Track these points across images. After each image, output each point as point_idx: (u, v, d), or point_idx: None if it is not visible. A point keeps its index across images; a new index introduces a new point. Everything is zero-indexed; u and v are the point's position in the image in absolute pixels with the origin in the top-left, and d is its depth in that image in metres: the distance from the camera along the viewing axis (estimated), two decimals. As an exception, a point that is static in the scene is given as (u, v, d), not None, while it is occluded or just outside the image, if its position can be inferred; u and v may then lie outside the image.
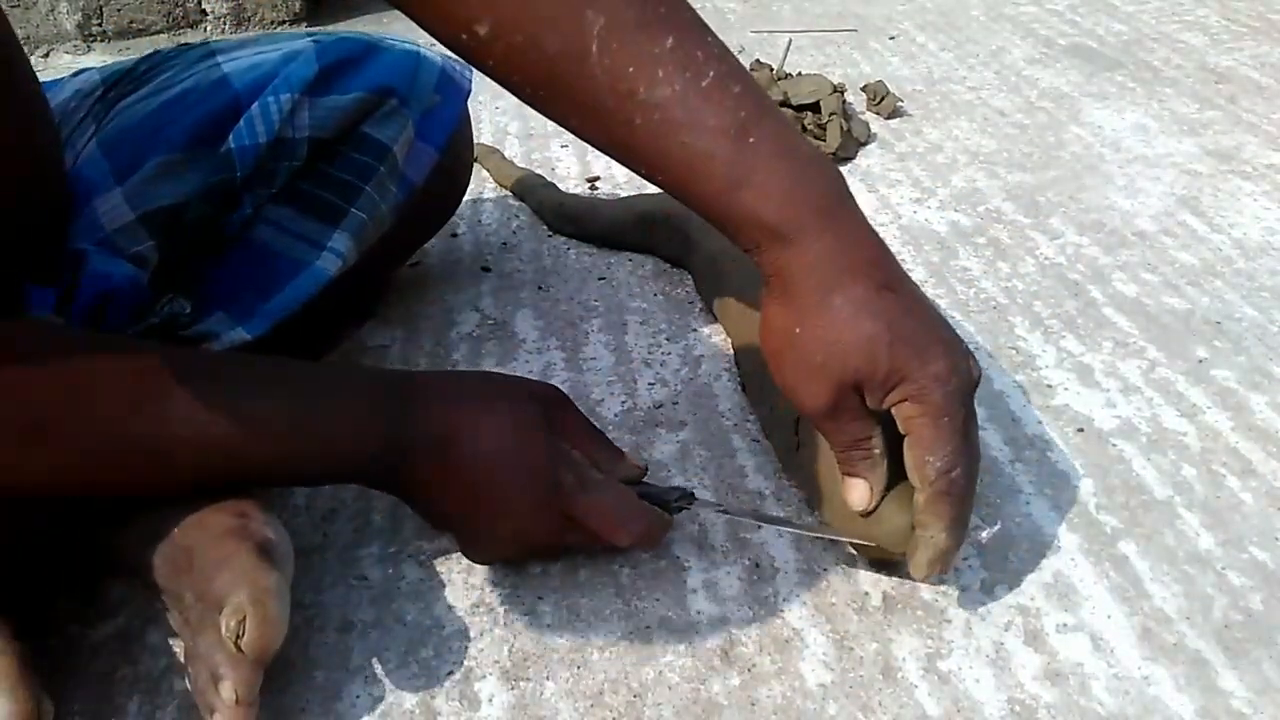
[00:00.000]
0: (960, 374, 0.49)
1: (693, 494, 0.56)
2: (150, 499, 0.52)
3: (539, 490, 0.51)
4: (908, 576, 0.55)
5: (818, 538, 0.57)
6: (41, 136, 0.57)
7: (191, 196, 0.62)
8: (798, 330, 0.49)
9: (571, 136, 0.52)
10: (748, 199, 0.47)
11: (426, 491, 0.52)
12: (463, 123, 0.76)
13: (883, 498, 0.52)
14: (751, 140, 0.47)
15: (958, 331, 0.72)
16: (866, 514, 0.52)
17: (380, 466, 0.52)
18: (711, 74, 0.46)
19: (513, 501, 0.52)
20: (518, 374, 0.70)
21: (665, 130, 0.46)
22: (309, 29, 1.42)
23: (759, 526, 0.58)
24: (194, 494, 0.51)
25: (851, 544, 0.55)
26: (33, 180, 0.55)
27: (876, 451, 0.51)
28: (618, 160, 0.51)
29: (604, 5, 0.45)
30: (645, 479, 0.57)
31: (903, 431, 0.49)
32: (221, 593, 0.46)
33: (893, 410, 0.49)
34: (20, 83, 0.53)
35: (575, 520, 0.53)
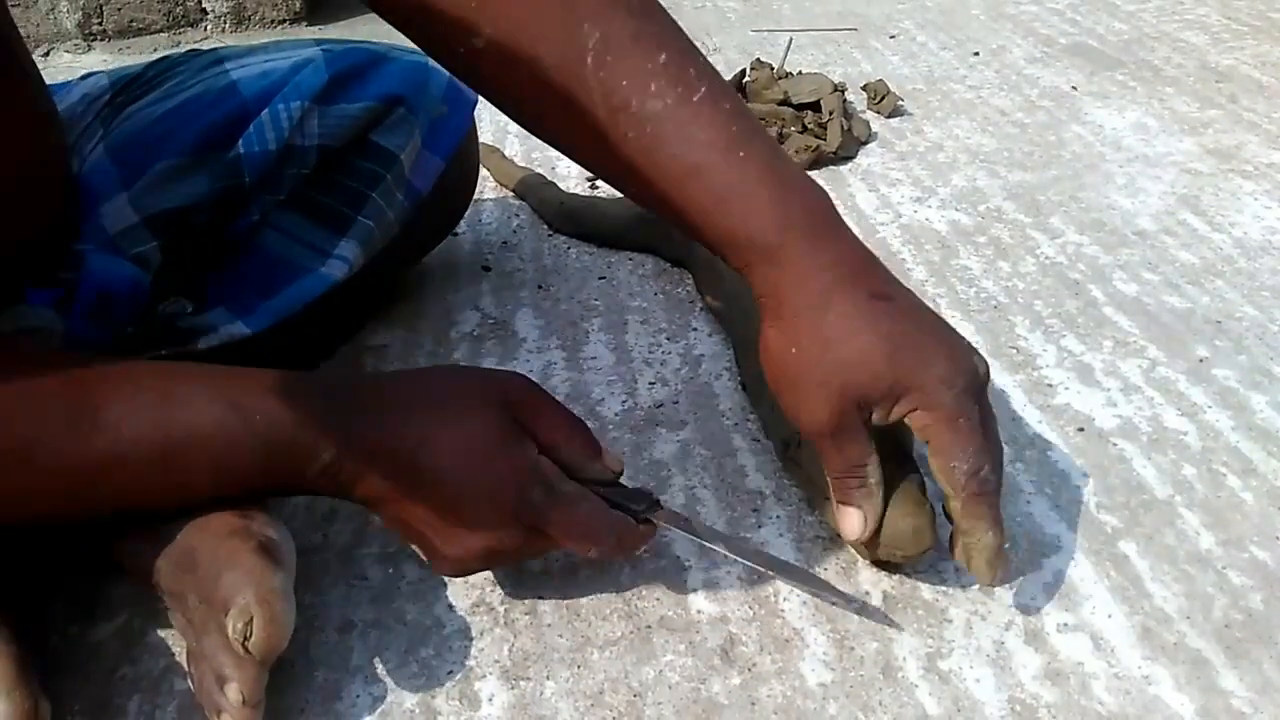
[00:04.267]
0: (966, 373, 0.48)
1: (658, 502, 0.52)
2: None
3: (505, 506, 0.48)
4: (909, 576, 0.55)
5: (780, 577, 0.54)
6: (47, 141, 0.57)
7: (198, 200, 0.62)
8: (794, 351, 0.48)
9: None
10: (736, 215, 0.47)
11: (386, 506, 0.50)
12: (469, 133, 0.76)
13: (879, 525, 0.50)
14: (741, 155, 0.47)
15: (958, 331, 0.72)
16: (861, 543, 0.51)
17: (331, 479, 0.49)
18: (703, 89, 0.47)
19: (478, 518, 0.48)
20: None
21: (656, 143, 0.47)
22: (309, 28, 1.43)
23: (725, 553, 0.54)
24: (131, 517, 0.49)
25: (855, 546, 0.55)
26: (38, 182, 0.55)
27: (872, 481, 0.49)
28: (607, 178, 0.51)
29: (600, 20, 0.46)
30: (621, 479, 0.53)
31: (921, 440, 0.49)
32: (227, 594, 0.46)
33: (907, 422, 0.48)
34: (26, 88, 0.53)
35: (543, 533, 0.49)
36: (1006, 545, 0.50)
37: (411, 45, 0.69)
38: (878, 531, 0.51)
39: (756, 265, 0.48)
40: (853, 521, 0.50)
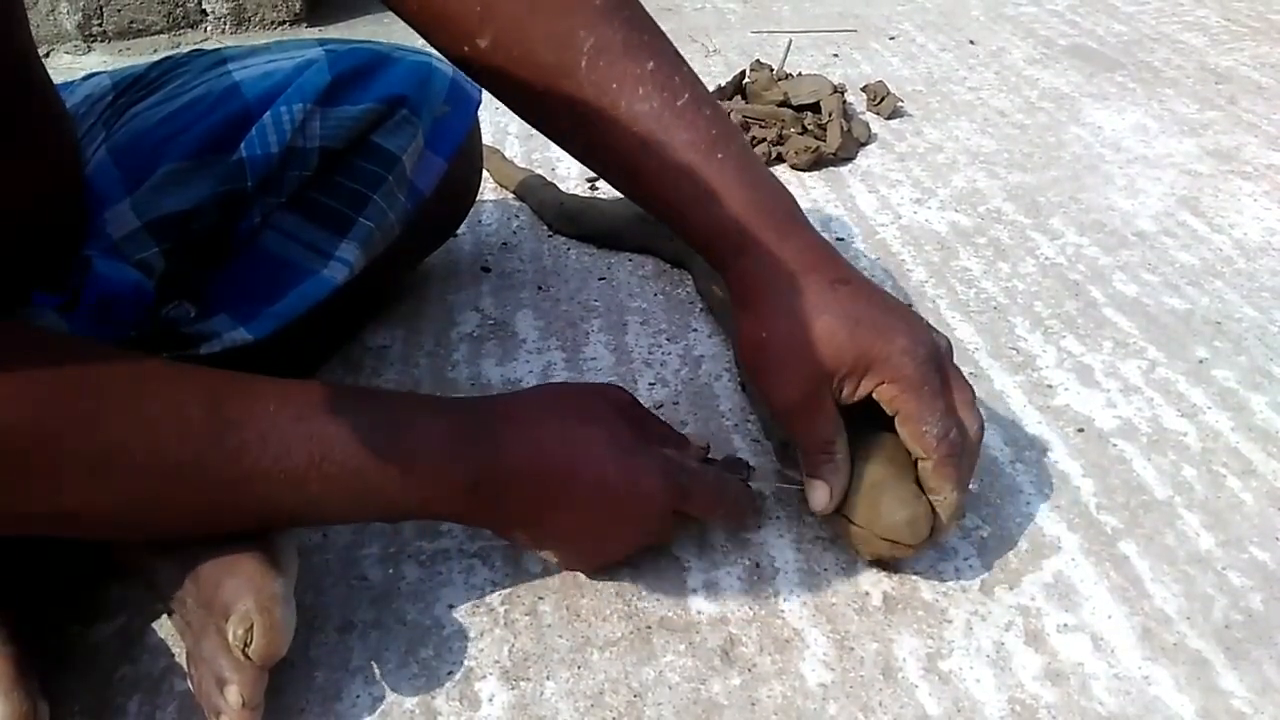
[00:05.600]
0: (925, 344, 0.51)
1: (749, 464, 0.58)
2: None
3: (659, 493, 0.51)
4: (909, 577, 0.55)
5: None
6: (60, 147, 0.57)
7: (200, 204, 0.62)
8: (764, 335, 0.51)
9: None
10: (714, 211, 0.51)
11: (535, 516, 0.50)
12: (472, 133, 0.76)
13: (843, 501, 0.53)
14: (720, 157, 0.51)
15: (956, 331, 0.72)
16: (826, 516, 0.53)
17: (475, 498, 0.49)
18: (687, 96, 0.51)
19: (637, 509, 0.51)
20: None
21: (643, 142, 0.51)
22: (309, 29, 1.43)
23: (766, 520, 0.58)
24: (261, 531, 0.48)
25: (852, 540, 0.55)
26: (50, 188, 0.55)
27: (839, 457, 0.52)
28: (597, 171, 0.55)
29: (594, 27, 0.50)
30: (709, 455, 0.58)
31: (890, 413, 0.51)
32: (227, 600, 0.45)
33: (875, 397, 0.51)
34: (39, 94, 0.53)
35: (685, 513, 0.53)
36: (973, 485, 0.53)
37: (415, 44, 0.70)
38: (872, 517, 0.53)
39: (730, 257, 0.52)
40: (820, 494, 0.52)
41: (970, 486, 0.55)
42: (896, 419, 0.51)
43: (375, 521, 0.57)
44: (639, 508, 0.51)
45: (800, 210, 0.53)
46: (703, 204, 0.51)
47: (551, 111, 0.53)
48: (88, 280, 0.57)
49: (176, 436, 0.43)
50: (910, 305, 0.77)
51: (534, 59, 0.50)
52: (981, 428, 0.53)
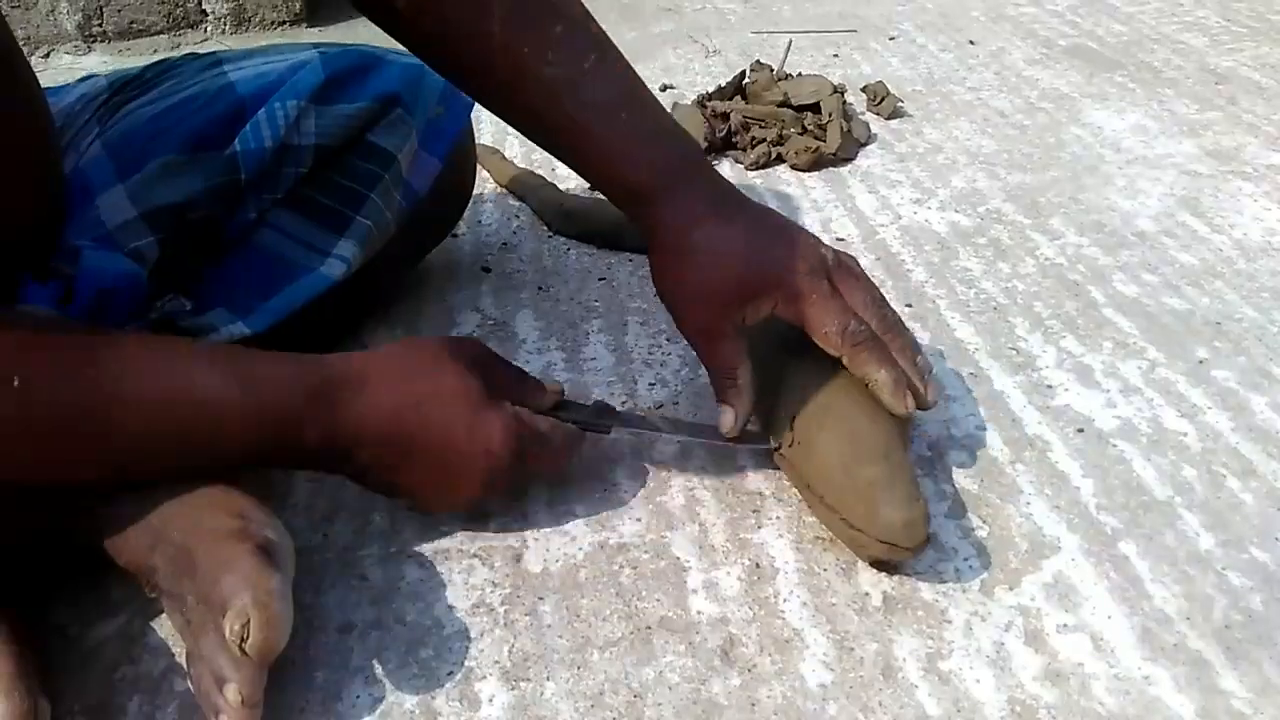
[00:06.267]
0: (809, 259, 0.56)
1: (611, 408, 0.62)
2: (153, 499, 0.51)
3: (504, 452, 0.54)
4: (909, 577, 0.55)
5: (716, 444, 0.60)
6: (39, 137, 0.57)
7: (194, 196, 0.62)
8: (671, 271, 0.57)
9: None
10: (622, 167, 0.56)
11: (385, 474, 0.54)
12: (466, 134, 0.76)
13: (841, 503, 0.54)
14: (624, 115, 0.56)
15: (956, 332, 0.72)
16: (733, 439, 0.58)
17: (324, 456, 0.52)
18: (593, 58, 0.55)
19: (481, 466, 0.54)
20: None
21: (553, 104, 0.55)
22: (309, 30, 1.43)
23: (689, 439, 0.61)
24: (145, 478, 0.50)
25: (849, 542, 0.55)
26: (29, 177, 0.55)
27: (741, 381, 0.57)
28: (521, 131, 0.60)
29: None
30: (566, 396, 0.61)
31: (797, 325, 0.56)
32: (224, 596, 0.46)
33: (779, 316, 0.56)
34: (18, 81, 0.53)
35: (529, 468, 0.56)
36: (933, 372, 0.59)
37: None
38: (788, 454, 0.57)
39: (640, 207, 0.57)
40: (727, 417, 0.58)
41: (963, 486, 0.55)
42: (806, 331, 0.56)
43: (230, 465, 0.56)
44: (483, 465, 0.54)
45: (702, 155, 0.58)
46: (611, 161, 0.56)
47: (469, 73, 0.57)
48: (82, 274, 0.56)
49: (40, 374, 0.45)
50: (909, 305, 0.78)
51: (449, 24, 0.54)
52: (893, 314, 0.57)
